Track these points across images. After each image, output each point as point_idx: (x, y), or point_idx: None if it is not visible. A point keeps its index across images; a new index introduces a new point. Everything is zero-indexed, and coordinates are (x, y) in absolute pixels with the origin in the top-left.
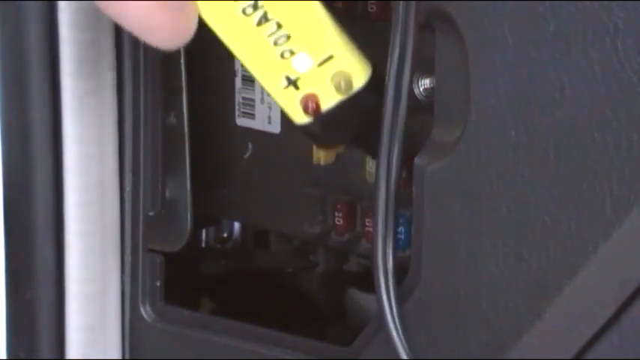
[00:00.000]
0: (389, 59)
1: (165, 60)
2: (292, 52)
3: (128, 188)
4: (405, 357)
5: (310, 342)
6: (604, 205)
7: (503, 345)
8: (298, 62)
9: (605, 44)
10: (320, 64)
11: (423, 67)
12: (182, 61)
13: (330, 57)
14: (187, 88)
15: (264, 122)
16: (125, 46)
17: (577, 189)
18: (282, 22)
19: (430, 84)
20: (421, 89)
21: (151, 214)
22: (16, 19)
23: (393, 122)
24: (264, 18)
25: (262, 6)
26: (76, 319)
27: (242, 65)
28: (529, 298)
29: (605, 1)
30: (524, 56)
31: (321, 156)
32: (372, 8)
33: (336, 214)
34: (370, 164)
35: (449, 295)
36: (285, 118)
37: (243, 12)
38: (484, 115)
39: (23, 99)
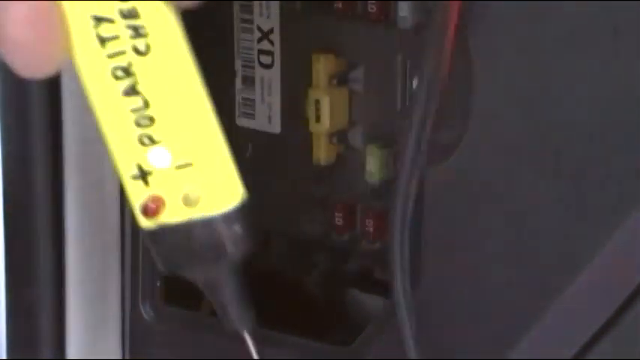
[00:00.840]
0: (424, 66)
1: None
2: (152, 141)
3: None
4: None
5: (310, 342)
6: (604, 205)
7: (503, 345)
8: (155, 155)
9: (606, 44)
10: (178, 168)
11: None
12: None
13: (189, 164)
14: None
15: (264, 122)
16: None
17: (577, 189)
18: (149, 101)
19: None
20: None
21: None
22: None
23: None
24: (132, 89)
25: (134, 74)
26: (76, 320)
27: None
28: (529, 298)
29: (605, 1)
30: (524, 56)
31: (321, 156)
32: (372, 8)
33: (336, 214)
34: (370, 164)
35: (449, 295)
36: (285, 119)
37: (113, 74)
38: (484, 115)
39: (23, 99)
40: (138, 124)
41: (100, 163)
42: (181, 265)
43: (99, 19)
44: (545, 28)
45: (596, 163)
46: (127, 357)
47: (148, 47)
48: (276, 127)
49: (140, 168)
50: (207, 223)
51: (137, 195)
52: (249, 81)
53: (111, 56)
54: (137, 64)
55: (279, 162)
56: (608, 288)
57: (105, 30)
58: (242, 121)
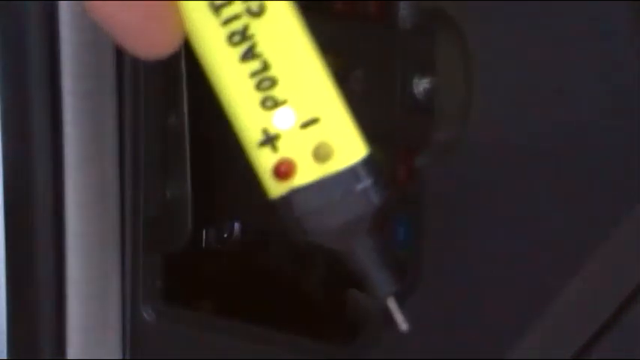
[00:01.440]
0: None
1: (165, 60)
2: (276, 103)
3: (128, 188)
4: None
5: (310, 342)
6: (604, 205)
7: (503, 345)
8: (280, 117)
9: (606, 44)
10: (304, 126)
11: (423, 67)
12: (183, 61)
13: (317, 120)
14: (187, 88)
15: None
16: None
17: (577, 189)
18: (270, 62)
19: (430, 84)
20: (421, 90)
21: (151, 214)
22: (16, 19)
23: None
24: (251, 52)
25: (252, 36)
26: (76, 320)
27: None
28: (529, 298)
29: (605, 1)
30: (524, 56)
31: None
32: (372, 8)
33: None
34: None
35: (449, 294)
36: None
37: (229, 39)
38: (484, 115)
39: (24, 100)
40: (259, 88)
41: (100, 163)
42: (319, 230)
43: None
44: (545, 28)
45: (596, 163)
46: (127, 357)
47: (261, 7)
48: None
49: (266, 132)
50: (340, 179)
51: (266, 163)
52: None
53: (226, 22)
54: (253, 25)
55: None
56: (608, 288)
57: None
58: None
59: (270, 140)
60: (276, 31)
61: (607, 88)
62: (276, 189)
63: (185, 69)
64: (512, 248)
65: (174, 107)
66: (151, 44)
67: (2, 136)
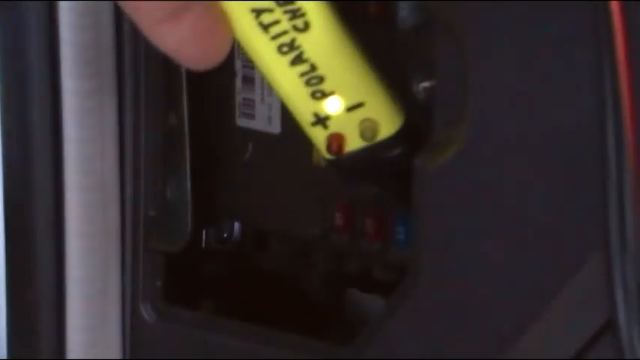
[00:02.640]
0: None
1: (165, 60)
2: (324, 94)
3: (129, 189)
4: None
5: (310, 342)
6: (604, 205)
7: (503, 345)
8: (329, 104)
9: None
10: (350, 109)
11: (423, 67)
12: None
13: (361, 104)
14: (187, 88)
15: (264, 122)
16: (125, 47)
17: (577, 189)
18: (317, 64)
19: (430, 84)
20: (421, 90)
21: (152, 214)
22: (16, 19)
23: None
24: (299, 58)
25: (299, 46)
26: (77, 320)
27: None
28: (529, 298)
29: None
30: (524, 56)
31: (321, 157)
32: (372, 8)
33: (336, 214)
34: None
35: (449, 295)
36: (285, 119)
37: (279, 50)
38: (484, 115)
39: (23, 99)
40: (308, 84)
41: (100, 164)
42: (360, 180)
43: (259, 11)
44: (545, 28)
45: (597, 163)
46: (127, 357)
47: (306, 24)
48: (276, 127)
49: (317, 116)
50: (375, 149)
51: (318, 137)
52: (249, 81)
53: (274, 37)
54: (299, 38)
55: (279, 162)
56: (608, 287)
57: (265, 18)
58: (242, 121)
59: (320, 121)
60: (320, 40)
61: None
62: (329, 155)
63: (185, 69)
64: (512, 248)
65: (174, 107)
66: (203, 57)
67: (2, 136)
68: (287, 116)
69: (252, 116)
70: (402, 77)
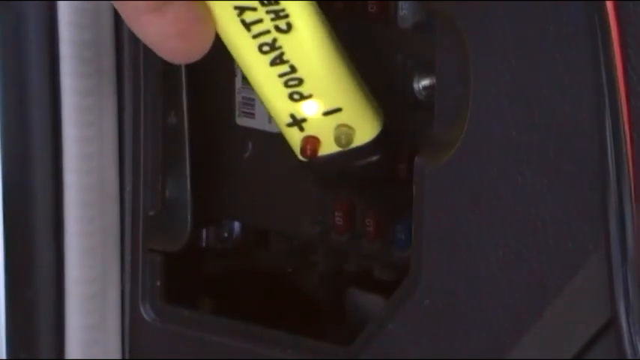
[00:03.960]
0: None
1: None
2: (302, 96)
3: (128, 188)
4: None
5: (310, 342)
6: (604, 205)
7: (503, 345)
8: (306, 107)
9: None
10: (326, 114)
11: (423, 67)
12: None
13: (339, 109)
14: (187, 87)
15: (264, 122)
16: (125, 46)
17: (577, 189)
18: (296, 66)
19: (430, 84)
20: (421, 89)
21: (151, 214)
22: (16, 19)
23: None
24: (280, 59)
25: (280, 47)
26: (76, 319)
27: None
28: (529, 298)
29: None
30: (524, 56)
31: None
32: (372, 8)
33: (336, 214)
34: None
35: (449, 295)
36: None
37: (260, 49)
38: (484, 115)
39: (23, 99)
40: (287, 85)
41: (100, 163)
42: (334, 184)
43: (242, 9)
44: (545, 28)
45: (597, 163)
46: (126, 357)
47: (289, 25)
48: (276, 127)
49: (293, 117)
50: (350, 155)
51: (293, 138)
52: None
53: (256, 36)
54: (281, 39)
55: (279, 162)
56: (608, 287)
57: (248, 16)
58: (242, 121)
59: (296, 122)
60: (302, 43)
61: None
62: (303, 157)
63: (185, 68)
64: (513, 248)
65: (173, 106)
66: (185, 51)
67: (2, 135)
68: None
69: (252, 115)
70: (402, 77)
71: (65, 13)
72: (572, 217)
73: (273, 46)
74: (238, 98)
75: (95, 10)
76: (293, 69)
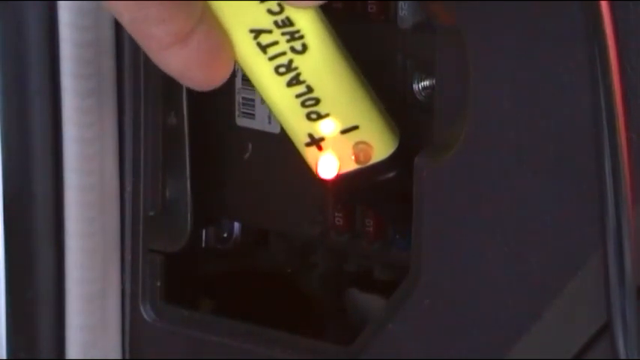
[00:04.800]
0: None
1: None
2: (319, 116)
3: (128, 188)
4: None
5: (310, 342)
6: (604, 205)
7: (503, 345)
8: (324, 126)
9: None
10: (344, 132)
11: (423, 67)
12: None
13: (356, 127)
14: (187, 88)
15: (264, 122)
16: (125, 47)
17: (577, 189)
18: (313, 87)
19: (430, 84)
20: (421, 89)
21: (151, 214)
22: (16, 19)
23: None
24: (296, 80)
25: (296, 68)
26: (76, 319)
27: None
28: (529, 298)
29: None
30: (524, 56)
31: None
32: (371, 8)
33: (336, 214)
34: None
35: (449, 295)
36: None
37: (276, 71)
38: (484, 115)
39: (23, 99)
40: (304, 105)
41: (100, 164)
42: (354, 201)
43: (257, 32)
44: (544, 28)
45: (597, 163)
46: (127, 357)
47: (304, 46)
48: (276, 127)
49: (311, 136)
50: (369, 172)
51: (312, 157)
52: (249, 81)
53: (272, 58)
54: (297, 60)
55: (279, 162)
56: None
57: (264, 39)
58: (242, 121)
59: (314, 142)
60: (317, 63)
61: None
62: (324, 175)
63: None
64: (512, 248)
65: (173, 107)
66: (208, 77)
67: (3, 136)
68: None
69: (252, 116)
70: (402, 77)
71: (65, 14)
72: (572, 217)
73: (289, 67)
74: (238, 98)
75: (95, 12)
76: (309, 89)
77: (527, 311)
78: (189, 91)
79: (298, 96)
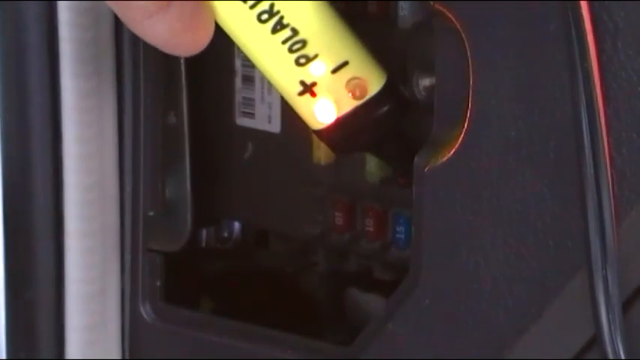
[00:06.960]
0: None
1: (165, 59)
2: (308, 59)
3: (128, 188)
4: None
5: (310, 342)
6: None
7: (503, 345)
8: (314, 68)
9: (606, 44)
10: (335, 71)
11: (423, 67)
12: (182, 60)
13: (346, 63)
14: (187, 87)
15: (264, 122)
16: (125, 46)
17: (577, 189)
18: (298, 28)
19: (430, 84)
20: (421, 89)
21: (151, 214)
22: (16, 19)
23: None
24: (280, 24)
25: (278, 11)
26: (76, 319)
27: (258, 70)
28: (529, 298)
29: (606, 1)
30: (524, 56)
31: (321, 156)
32: (372, 8)
33: (336, 214)
34: (370, 164)
35: (449, 294)
36: (285, 118)
37: (259, 19)
38: (484, 115)
39: (23, 99)
40: (291, 50)
41: (100, 163)
42: (354, 146)
43: None
44: (545, 28)
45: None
46: (126, 357)
47: None
48: (276, 127)
49: (303, 83)
50: (367, 107)
51: (307, 107)
52: (249, 80)
53: (253, 6)
54: (278, 4)
55: (279, 162)
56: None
57: None
58: (242, 121)
59: (307, 89)
60: (298, 3)
61: (607, 88)
62: (319, 125)
63: (185, 68)
64: (513, 248)
65: (173, 106)
66: (193, 41)
67: (2, 135)
68: (287, 115)
69: (252, 115)
70: (402, 77)
71: (65, 13)
72: (572, 217)
73: (271, 12)
74: (238, 98)
75: (95, 10)
76: (295, 31)
77: (527, 311)
78: (190, 91)
79: (285, 41)
